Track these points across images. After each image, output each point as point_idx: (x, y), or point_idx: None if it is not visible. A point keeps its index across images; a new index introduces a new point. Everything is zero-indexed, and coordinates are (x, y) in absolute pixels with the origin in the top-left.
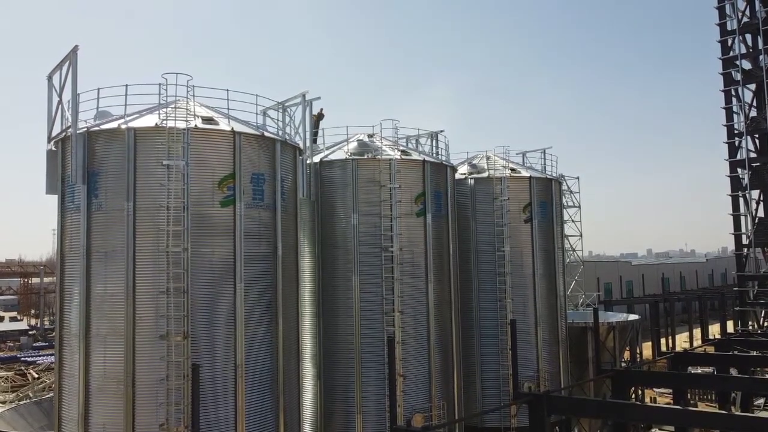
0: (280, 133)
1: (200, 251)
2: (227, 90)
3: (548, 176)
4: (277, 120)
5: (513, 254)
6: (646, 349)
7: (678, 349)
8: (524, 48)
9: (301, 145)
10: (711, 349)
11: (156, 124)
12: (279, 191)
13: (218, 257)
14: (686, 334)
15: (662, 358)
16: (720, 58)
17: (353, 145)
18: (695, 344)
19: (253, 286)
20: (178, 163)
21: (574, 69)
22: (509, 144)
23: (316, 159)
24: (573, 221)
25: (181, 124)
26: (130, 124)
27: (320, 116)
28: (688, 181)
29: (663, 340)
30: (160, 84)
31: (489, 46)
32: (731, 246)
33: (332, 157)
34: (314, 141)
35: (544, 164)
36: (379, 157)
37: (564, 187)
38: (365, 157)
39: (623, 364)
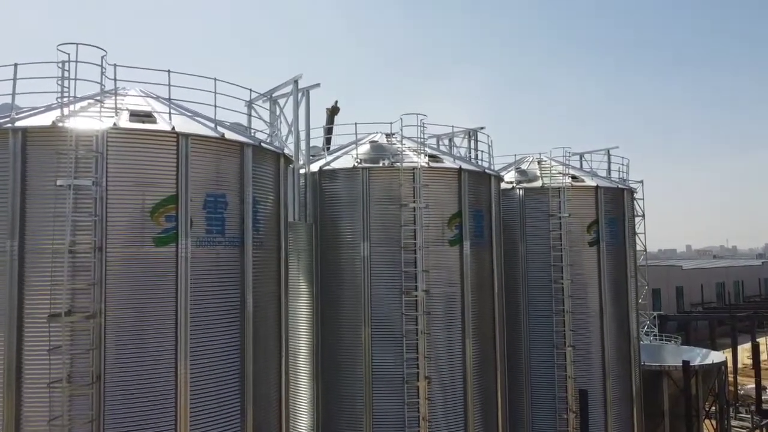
0: (255, 133)
1: (122, 316)
2: (168, 71)
3: (619, 185)
4: (251, 117)
5: (574, 287)
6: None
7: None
8: (546, 40)
9: (292, 151)
10: None
11: (53, 121)
12: (250, 218)
13: (151, 324)
14: (747, 345)
15: None
16: None
17: (365, 148)
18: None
19: (206, 363)
20: (83, 182)
21: (596, 61)
22: (541, 143)
23: (315, 167)
24: (636, 233)
25: (93, 123)
26: (20, 123)
27: (335, 110)
28: (725, 175)
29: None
30: (63, 62)
31: (513, 39)
32: None
33: (336, 164)
34: (327, 143)
35: (609, 169)
36: (399, 164)
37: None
38: (380, 164)
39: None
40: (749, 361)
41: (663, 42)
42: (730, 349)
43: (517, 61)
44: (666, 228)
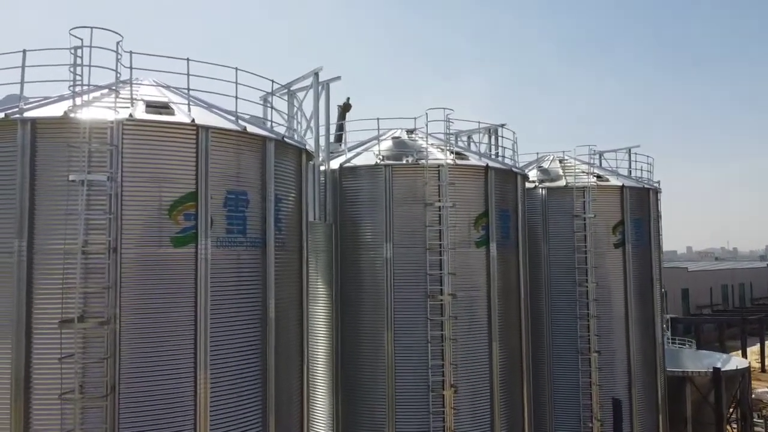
0: (273, 128)
1: (138, 322)
2: (187, 60)
3: (645, 185)
4: (272, 110)
5: (599, 291)
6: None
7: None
8: (546, 40)
9: (312, 146)
10: None
11: (64, 112)
12: (272, 217)
13: (168, 330)
14: (756, 347)
15: None
16: None
17: (387, 144)
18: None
19: (226, 371)
20: (96, 177)
21: (596, 61)
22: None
23: (335, 164)
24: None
25: (107, 114)
26: (29, 114)
27: (346, 107)
28: (726, 175)
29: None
30: (75, 48)
31: (514, 39)
32: None
33: (357, 161)
34: (339, 140)
35: (631, 168)
36: (423, 161)
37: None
38: (404, 161)
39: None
40: (757, 365)
41: (663, 42)
42: (739, 352)
43: (518, 62)
44: (666, 229)
